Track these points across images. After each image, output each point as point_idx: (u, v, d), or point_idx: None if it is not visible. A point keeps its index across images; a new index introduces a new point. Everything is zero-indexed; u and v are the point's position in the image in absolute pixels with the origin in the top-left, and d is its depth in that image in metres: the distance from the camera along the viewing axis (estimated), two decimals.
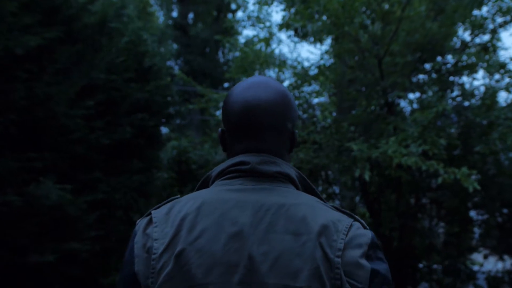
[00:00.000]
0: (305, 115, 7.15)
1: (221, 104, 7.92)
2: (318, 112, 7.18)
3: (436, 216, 8.06)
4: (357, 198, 8.98)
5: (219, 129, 1.22)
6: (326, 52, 6.53)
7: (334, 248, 1.01)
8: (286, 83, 7.67)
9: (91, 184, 5.54)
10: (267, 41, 7.15)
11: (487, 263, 8.09)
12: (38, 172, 4.67)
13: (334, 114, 5.71)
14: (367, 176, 5.18)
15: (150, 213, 1.12)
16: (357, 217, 1.11)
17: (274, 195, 1.08)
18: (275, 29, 7.75)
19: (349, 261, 1.01)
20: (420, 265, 7.96)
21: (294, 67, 7.23)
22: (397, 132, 5.90)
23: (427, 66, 6.91)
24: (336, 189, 8.18)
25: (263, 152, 1.14)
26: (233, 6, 16.20)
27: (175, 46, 14.89)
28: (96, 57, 5.52)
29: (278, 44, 8.33)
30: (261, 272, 0.98)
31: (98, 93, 5.42)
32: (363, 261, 1.02)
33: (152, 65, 6.79)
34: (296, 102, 6.94)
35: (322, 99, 7.16)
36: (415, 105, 6.32)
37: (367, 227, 1.11)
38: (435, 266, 8.03)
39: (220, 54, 16.21)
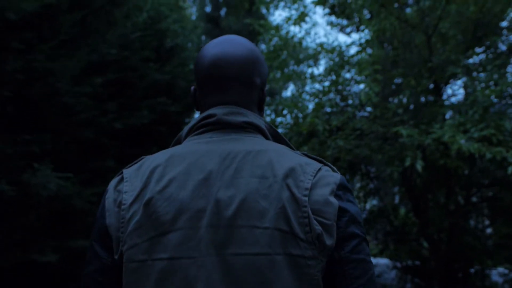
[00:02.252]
0: (342, 103, 6.27)
1: None
2: (357, 101, 6.29)
3: (490, 215, 7.04)
4: (396, 197, 8.03)
5: (192, 87, 1.20)
6: (367, 27, 5.60)
7: (301, 188, 0.99)
8: (321, 68, 6.84)
9: (102, 173, 4.80)
10: (303, 17, 6.28)
11: None
12: (36, 157, 3.94)
13: (377, 97, 4.80)
14: (419, 166, 4.27)
15: (121, 172, 1.09)
16: (327, 163, 1.08)
17: (242, 143, 1.06)
18: (310, 9, 6.90)
19: (317, 199, 0.99)
20: (472, 270, 6.96)
21: (331, 51, 6.35)
22: (453, 116, 4.98)
23: (478, 50, 5.96)
24: (374, 185, 7.26)
25: (230, 105, 1.12)
26: None
27: (203, 38, 14.14)
28: (108, 31, 4.76)
29: (313, 25, 7.42)
30: (228, 214, 0.96)
31: (109, 71, 4.66)
32: (331, 198, 0.99)
33: (174, 46, 6.02)
34: (333, 90, 6.06)
35: (361, 86, 6.27)
36: (468, 90, 5.35)
37: (337, 171, 1.07)
38: (487, 271, 7.04)
39: None
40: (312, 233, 0.96)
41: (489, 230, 7.21)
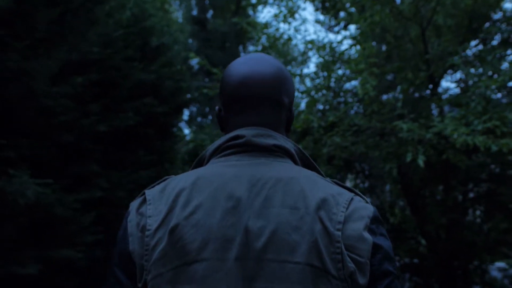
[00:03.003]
0: (335, 100, 5.99)
1: None
2: (349, 98, 6.01)
3: (488, 210, 6.77)
4: (388, 195, 7.75)
5: (216, 107, 1.12)
6: (359, 22, 5.30)
7: (334, 221, 0.92)
8: (312, 66, 6.57)
9: (85, 179, 4.47)
10: (292, 13, 6.00)
11: None
12: (12, 163, 3.61)
13: (374, 91, 4.50)
14: (421, 161, 3.99)
15: (143, 193, 1.02)
16: (358, 192, 1.01)
17: (271, 169, 0.99)
18: (299, 5, 6.63)
19: (351, 234, 0.92)
20: (470, 266, 6.70)
21: (322, 47, 6.07)
22: (451, 109, 4.71)
23: (473, 42, 5.72)
24: (369, 183, 6.99)
25: (259, 126, 1.05)
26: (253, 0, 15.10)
27: (190, 41, 13.83)
28: (89, 30, 4.44)
29: (303, 22, 7.15)
30: (257, 247, 0.90)
31: (91, 71, 4.34)
32: (366, 234, 0.92)
33: (160, 45, 5.70)
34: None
35: (353, 82, 5.99)
36: (468, 82, 5.08)
37: (369, 202, 1.00)
38: (486, 267, 6.79)
39: (240, 48, 15.10)
40: (344, 270, 0.91)
41: (485, 226, 6.94)
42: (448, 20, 5.57)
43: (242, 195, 0.94)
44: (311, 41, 6.19)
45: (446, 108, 5.61)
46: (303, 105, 6.06)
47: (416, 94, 5.28)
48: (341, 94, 6.07)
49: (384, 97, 5.42)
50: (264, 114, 1.06)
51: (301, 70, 7.38)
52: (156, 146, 5.80)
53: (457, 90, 5.83)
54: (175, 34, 6.32)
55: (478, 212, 7.08)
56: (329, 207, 0.94)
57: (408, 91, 4.83)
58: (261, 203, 0.93)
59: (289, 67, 8.00)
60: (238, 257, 0.90)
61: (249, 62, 1.08)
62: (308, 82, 6.41)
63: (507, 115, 4.10)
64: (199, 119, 15.53)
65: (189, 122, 16.21)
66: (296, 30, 7.25)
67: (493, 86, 4.19)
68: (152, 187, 1.04)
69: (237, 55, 14.67)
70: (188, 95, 6.39)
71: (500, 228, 6.72)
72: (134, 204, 1.02)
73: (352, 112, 5.68)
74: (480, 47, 5.69)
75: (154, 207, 0.97)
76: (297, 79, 6.73)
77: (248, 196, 0.95)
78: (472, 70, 4.61)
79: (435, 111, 5.74)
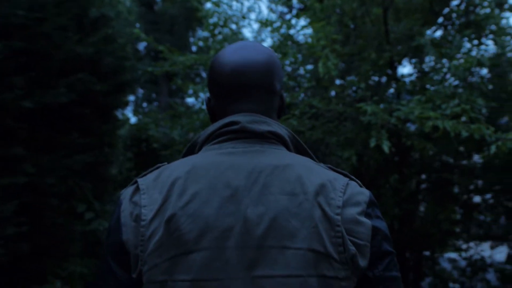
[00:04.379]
0: (291, 82, 5.52)
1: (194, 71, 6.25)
2: (305, 84, 5.56)
3: (439, 201, 6.54)
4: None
5: (206, 96, 1.13)
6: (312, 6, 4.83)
7: (333, 206, 0.93)
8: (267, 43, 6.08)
9: (8, 163, 3.79)
10: None
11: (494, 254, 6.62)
12: None
13: (336, 71, 4.05)
14: (386, 147, 3.58)
15: (136, 181, 1.00)
16: (352, 177, 1.02)
17: (267, 156, 0.98)
18: None
19: (349, 218, 0.93)
20: (422, 258, 6.45)
21: (276, 29, 5.57)
22: (414, 93, 4.35)
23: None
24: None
25: (251, 112, 1.04)
26: None
27: (137, 25, 13.02)
28: None
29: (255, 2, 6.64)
30: (257, 234, 0.89)
31: (14, 38, 3.65)
32: (363, 219, 0.94)
33: (100, 16, 5.03)
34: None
35: (309, 67, 5.54)
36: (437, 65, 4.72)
37: (363, 186, 1.02)
38: (437, 257, 6.57)
39: (190, 33, 14.40)
40: (346, 254, 0.91)
41: (437, 216, 6.70)
42: (408, 4, 5.23)
43: (240, 184, 0.93)
44: (266, 20, 5.67)
45: (406, 96, 5.28)
46: None
47: (376, 78, 4.88)
48: (297, 78, 5.61)
49: (337, 82, 4.98)
50: (257, 101, 1.05)
51: None
52: (93, 128, 5.14)
53: (413, 77, 5.52)
54: (118, 7, 5.64)
55: (428, 203, 6.87)
56: (327, 192, 0.93)
57: (370, 73, 4.42)
58: (259, 190, 0.92)
59: None
60: (238, 246, 0.89)
61: (240, 50, 1.06)
62: None
63: (476, 100, 3.75)
64: (144, 104, 14.77)
65: (135, 111, 15.42)
66: (250, 10, 6.74)
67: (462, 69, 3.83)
68: (144, 175, 1.02)
69: (185, 40, 13.99)
70: (132, 75, 5.74)
71: (452, 219, 6.52)
72: (126, 193, 0.99)
73: (308, 90, 5.25)
74: (440, 31, 5.38)
75: (148, 196, 0.94)
76: None
77: (246, 184, 0.93)
78: (435, 52, 4.23)
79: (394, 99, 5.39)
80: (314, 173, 0.96)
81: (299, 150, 1.08)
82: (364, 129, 4.43)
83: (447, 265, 6.64)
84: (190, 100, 19.83)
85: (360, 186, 1.00)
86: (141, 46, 15.50)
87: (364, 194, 0.98)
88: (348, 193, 0.95)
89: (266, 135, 1.01)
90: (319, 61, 3.94)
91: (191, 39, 14.49)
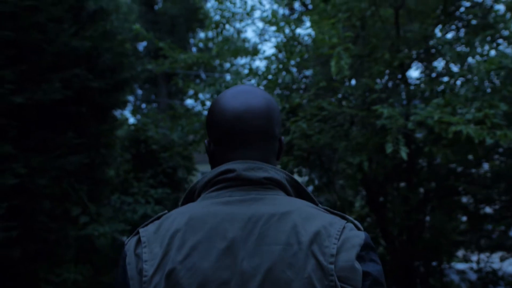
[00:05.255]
0: (294, 86, 5.23)
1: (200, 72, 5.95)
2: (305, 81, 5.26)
3: (448, 210, 6.24)
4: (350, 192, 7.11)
5: (205, 141, 1.11)
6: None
7: (327, 255, 0.92)
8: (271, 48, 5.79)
9: None
10: None
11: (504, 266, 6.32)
12: None
13: (349, 71, 3.75)
14: (404, 153, 3.29)
15: (138, 232, 1.01)
16: (350, 218, 1.01)
17: (263, 204, 0.98)
18: None
19: (343, 265, 0.92)
20: (430, 268, 6.14)
21: (282, 28, 5.27)
22: (432, 96, 4.05)
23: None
24: (327, 177, 6.29)
25: (250, 159, 1.04)
26: None
27: (137, 24, 12.73)
28: None
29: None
30: (253, 286, 0.90)
31: (4, 27, 3.35)
32: (357, 264, 0.92)
33: (98, 9, 4.73)
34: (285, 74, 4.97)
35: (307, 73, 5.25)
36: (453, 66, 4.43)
37: (361, 228, 1.00)
38: (445, 268, 6.27)
39: (190, 35, 14.10)
40: None
41: (446, 226, 6.39)
42: (419, 6, 4.97)
43: (236, 235, 0.93)
44: (273, 16, 5.37)
45: (414, 101, 5.00)
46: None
47: (388, 79, 4.59)
48: (303, 80, 5.32)
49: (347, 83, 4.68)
50: (257, 147, 1.04)
51: (250, 65, 6.55)
52: (89, 127, 4.84)
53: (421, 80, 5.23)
54: (117, 0, 5.34)
55: (435, 212, 6.57)
56: (321, 241, 0.93)
57: (384, 74, 4.13)
58: (255, 241, 0.92)
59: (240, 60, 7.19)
60: None
61: (241, 95, 1.05)
62: (263, 67, 5.62)
63: (498, 104, 3.47)
64: (143, 105, 14.44)
65: (134, 111, 15.08)
66: (253, 9, 6.45)
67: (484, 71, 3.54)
68: (146, 225, 1.02)
69: (186, 41, 13.70)
70: (131, 73, 5.43)
71: (460, 229, 6.23)
72: (130, 244, 0.99)
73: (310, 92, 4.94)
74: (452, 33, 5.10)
75: (149, 250, 0.95)
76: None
77: (241, 235, 0.93)
78: (452, 54, 3.95)
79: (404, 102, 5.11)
80: (310, 220, 0.96)
81: (299, 191, 1.07)
82: (376, 133, 4.15)
83: (455, 277, 6.35)
84: (189, 102, 19.55)
85: (358, 229, 0.99)
86: (141, 46, 15.21)
87: (359, 237, 0.96)
88: (343, 238, 0.94)
89: (262, 181, 1.01)
90: (330, 60, 3.65)
91: (191, 40, 14.21)
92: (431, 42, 3.90)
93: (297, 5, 8.75)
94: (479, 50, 4.02)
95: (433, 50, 4.43)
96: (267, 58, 4.91)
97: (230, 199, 0.99)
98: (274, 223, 0.94)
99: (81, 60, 4.34)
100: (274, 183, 1.02)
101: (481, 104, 3.46)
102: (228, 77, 5.64)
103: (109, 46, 4.94)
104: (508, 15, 5.17)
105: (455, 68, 5.08)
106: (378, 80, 4.32)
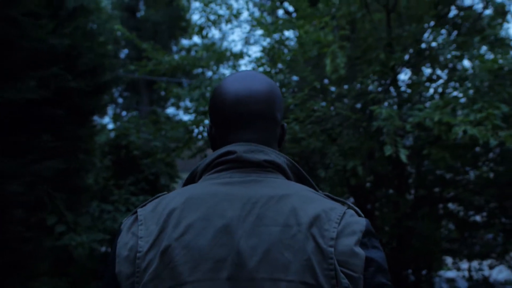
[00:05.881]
0: (283, 89, 5.00)
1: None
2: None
3: (437, 217, 6.06)
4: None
5: (207, 125, 1.15)
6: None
7: (326, 238, 0.90)
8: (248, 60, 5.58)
9: None
10: None
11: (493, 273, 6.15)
12: None
13: (344, 70, 3.53)
14: (403, 156, 3.08)
15: (136, 211, 1.00)
16: (351, 204, 0.99)
17: (263, 186, 0.97)
18: None
19: (343, 250, 0.90)
20: (420, 276, 5.95)
21: (267, 31, 5.05)
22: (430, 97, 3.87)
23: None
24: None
25: (251, 142, 1.03)
26: None
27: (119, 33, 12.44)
28: None
29: (246, 3, 6.13)
30: (249, 266, 0.87)
31: None
32: (358, 249, 0.90)
33: (78, 7, 4.45)
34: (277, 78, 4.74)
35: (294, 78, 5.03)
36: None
37: (362, 214, 0.97)
38: (435, 277, 6.08)
39: (173, 42, 13.83)
40: (338, 287, 0.89)
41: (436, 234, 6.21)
42: (410, 10, 4.83)
43: (234, 215, 0.92)
44: (259, 19, 5.15)
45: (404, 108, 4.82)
46: None
47: (384, 81, 4.39)
48: (292, 83, 5.10)
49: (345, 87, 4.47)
50: (258, 130, 1.04)
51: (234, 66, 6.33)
52: (67, 131, 4.53)
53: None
54: (98, 2, 5.06)
55: (424, 219, 6.39)
56: (321, 224, 0.91)
57: (381, 74, 3.92)
58: (253, 222, 0.91)
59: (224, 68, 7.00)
60: (230, 277, 0.88)
61: (242, 80, 1.05)
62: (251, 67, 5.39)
63: (499, 105, 3.29)
64: (124, 113, 14.05)
65: (114, 119, 14.67)
66: (239, 13, 6.24)
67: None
68: (144, 205, 1.01)
69: (168, 48, 13.42)
70: (112, 74, 5.14)
71: (449, 237, 6.06)
72: (126, 223, 0.99)
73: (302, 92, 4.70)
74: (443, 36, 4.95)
75: (145, 228, 0.94)
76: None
77: (240, 215, 0.92)
78: (451, 55, 3.77)
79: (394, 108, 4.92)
80: (310, 203, 0.94)
81: (300, 177, 1.06)
82: (370, 137, 3.94)
83: (445, 286, 6.16)
84: (170, 111, 19.20)
85: (358, 215, 0.97)
86: (122, 54, 14.85)
87: (360, 223, 0.94)
88: (343, 223, 0.92)
89: (262, 164, 1.00)
90: (325, 59, 3.43)
91: (174, 48, 13.93)
92: (423, 46, 3.71)
93: (280, 13, 8.60)
94: (475, 52, 3.86)
95: (427, 52, 4.25)
96: (256, 60, 4.67)
97: (230, 180, 0.97)
98: (273, 204, 0.92)
99: (59, 59, 4.05)
100: (274, 166, 1.00)
101: (482, 105, 3.27)
102: (216, 76, 5.37)
103: (89, 45, 4.65)
104: (500, 20, 5.06)
105: (442, 74, 4.95)
106: (370, 82, 4.12)
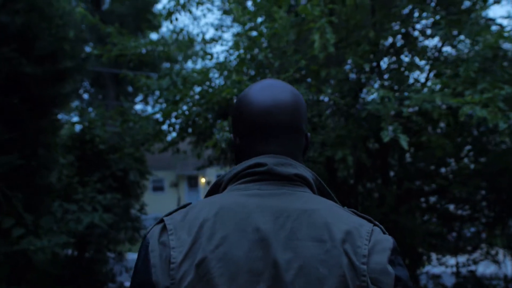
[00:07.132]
0: (267, 70, 4.59)
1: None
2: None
3: (413, 210, 5.80)
4: None
5: (231, 135, 1.10)
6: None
7: (359, 255, 0.89)
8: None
9: None
10: None
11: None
12: None
13: (333, 48, 3.16)
14: (404, 142, 2.73)
15: (162, 220, 0.98)
16: (375, 222, 0.98)
17: (294, 200, 0.96)
18: None
19: (375, 267, 0.89)
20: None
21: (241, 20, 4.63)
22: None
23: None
24: None
25: (279, 154, 1.01)
26: None
27: (83, 26, 11.79)
28: None
29: None
30: (286, 280, 0.87)
31: None
32: (389, 267, 0.90)
33: None
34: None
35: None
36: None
37: (386, 232, 0.98)
38: (418, 272, 5.82)
39: (139, 34, 13.25)
40: None
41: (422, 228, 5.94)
42: None
43: (267, 228, 0.91)
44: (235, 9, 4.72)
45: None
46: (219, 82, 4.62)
47: (374, 62, 4.04)
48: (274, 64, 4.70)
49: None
50: (284, 142, 1.02)
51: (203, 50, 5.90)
52: (24, 122, 4.03)
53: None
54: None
55: (406, 213, 6.12)
56: (353, 240, 0.90)
57: (370, 54, 3.57)
58: (287, 235, 0.90)
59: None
60: None
61: (268, 89, 1.02)
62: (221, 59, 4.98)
63: (503, 86, 2.98)
64: (90, 109, 13.44)
65: (81, 112, 14.00)
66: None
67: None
68: (170, 213, 0.98)
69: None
70: (72, 61, 4.62)
71: (433, 231, 5.81)
72: (153, 232, 0.95)
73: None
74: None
75: (176, 238, 0.92)
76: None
77: (273, 228, 0.91)
78: (443, 33, 3.45)
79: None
80: (340, 219, 0.93)
81: (323, 193, 1.05)
82: (359, 125, 3.59)
83: (429, 282, 5.91)
84: (139, 107, 18.54)
85: (384, 232, 0.96)
86: (88, 48, 14.17)
87: (388, 240, 0.93)
88: (373, 241, 0.92)
89: (292, 178, 0.98)
90: (312, 35, 3.05)
91: (141, 41, 13.38)
92: (423, 18, 3.37)
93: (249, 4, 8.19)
94: (475, 28, 3.55)
95: (415, 33, 3.92)
96: (238, 34, 4.24)
97: (260, 192, 0.96)
98: (305, 218, 0.91)
99: (10, 39, 3.55)
100: (302, 180, 1.00)
101: (484, 86, 2.96)
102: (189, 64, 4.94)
103: (47, 27, 4.15)
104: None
105: (420, 62, 4.65)
106: (367, 59, 3.75)
